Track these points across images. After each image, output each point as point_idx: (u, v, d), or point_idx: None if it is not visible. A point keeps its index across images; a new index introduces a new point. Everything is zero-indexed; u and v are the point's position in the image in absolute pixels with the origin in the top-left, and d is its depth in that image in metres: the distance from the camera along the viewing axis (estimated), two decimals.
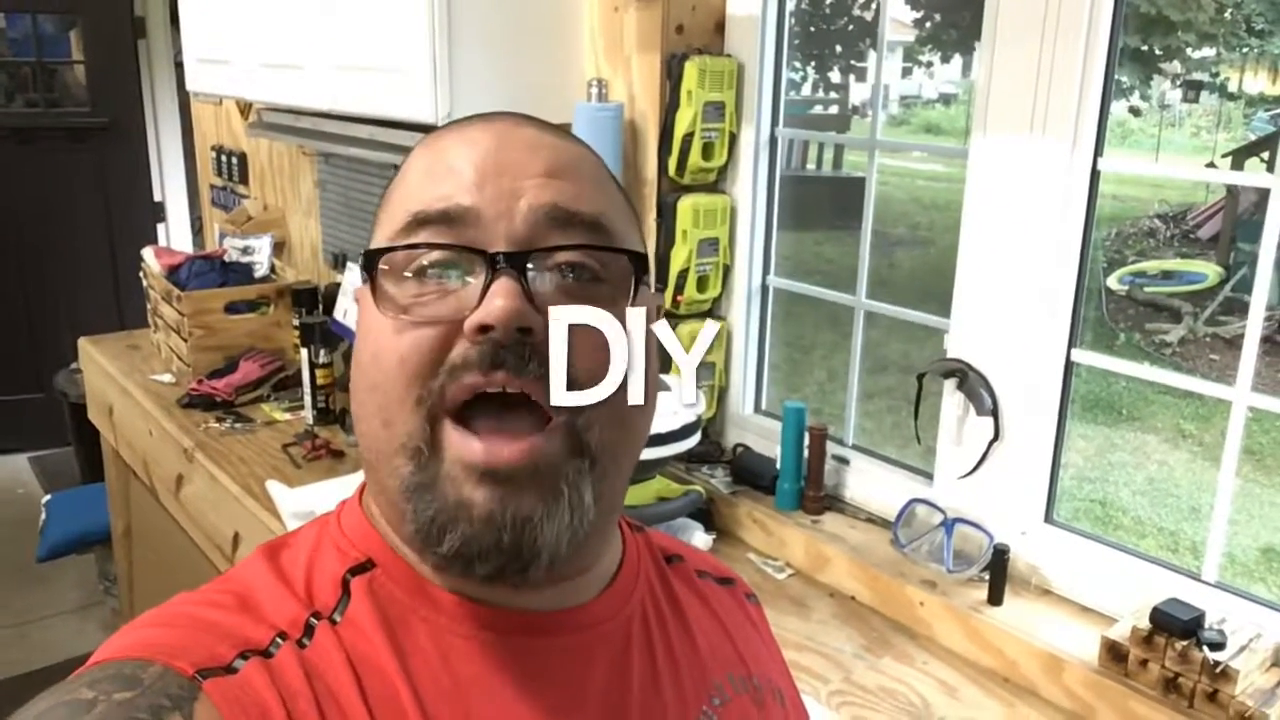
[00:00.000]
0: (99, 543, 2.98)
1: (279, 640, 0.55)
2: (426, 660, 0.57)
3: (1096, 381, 6.00)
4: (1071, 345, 1.46)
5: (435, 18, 1.64)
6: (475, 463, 0.54)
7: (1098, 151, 1.39)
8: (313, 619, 0.57)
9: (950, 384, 1.56)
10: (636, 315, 0.54)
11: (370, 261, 0.58)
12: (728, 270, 1.87)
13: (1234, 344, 6.14)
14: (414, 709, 0.55)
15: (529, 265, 0.55)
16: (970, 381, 1.52)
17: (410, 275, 0.56)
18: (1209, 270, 7.00)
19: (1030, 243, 1.44)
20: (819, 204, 8.17)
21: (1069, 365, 1.47)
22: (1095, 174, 1.39)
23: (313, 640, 0.56)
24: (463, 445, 0.54)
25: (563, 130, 0.64)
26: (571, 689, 0.59)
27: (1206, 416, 5.15)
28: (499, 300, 0.53)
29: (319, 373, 2.12)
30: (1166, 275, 7.36)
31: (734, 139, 1.80)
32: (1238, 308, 6.65)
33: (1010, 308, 1.48)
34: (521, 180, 0.57)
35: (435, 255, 0.56)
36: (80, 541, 2.98)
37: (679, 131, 1.73)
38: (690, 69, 1.70)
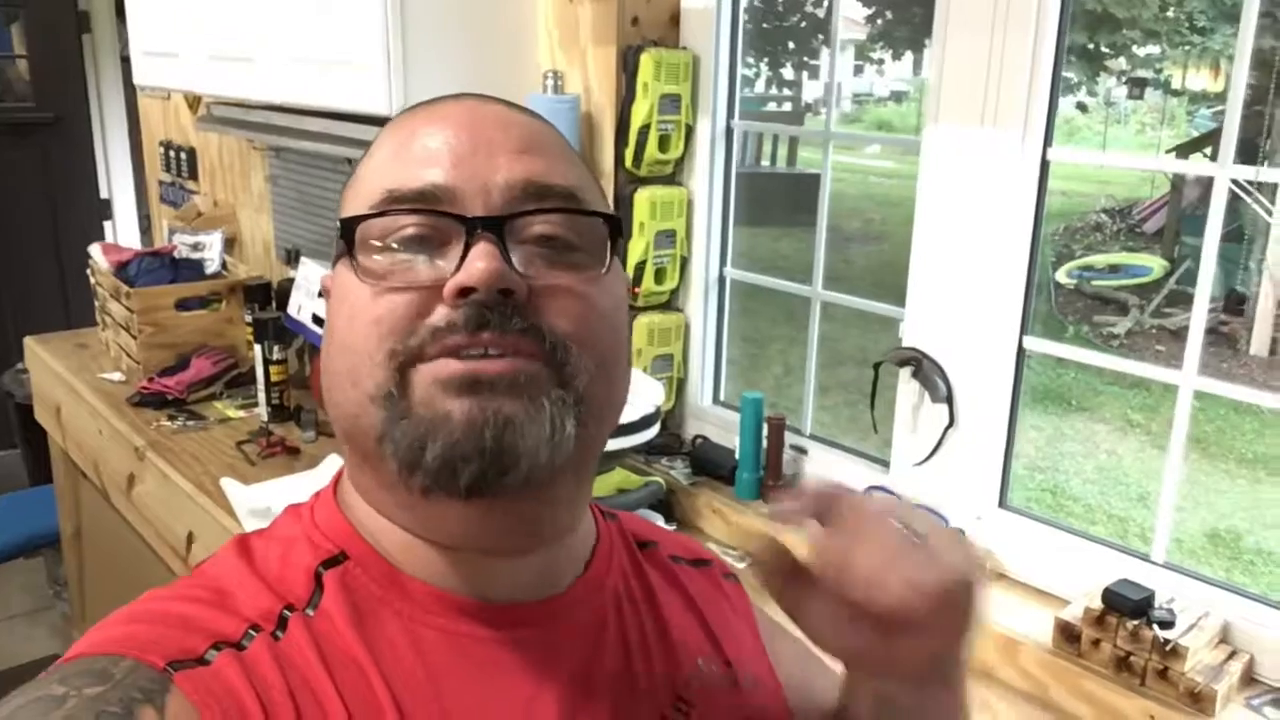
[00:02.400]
0: (47, 546, 2.92)
1: (252, 632, 0.54)
2: (399, 652, 0.57)
3: (1047, 373, 6.10)
4: (1023, 332, 1.48)
5: (388, 9, 1.63)
6: (453, 374, 0.53)
7: (1047, 142, 1.41)
8: (286, 611, 0.56)
9: (906, 372, 1.58)
10: (616, 279, 0.57)
11: (348, 231, 0.57)
12: (685, 262, 1.87)
13: (1179, 335, 6.27)
14: (387, 700, 0.54)
15: (506, 236, 0.55)
16: (925, 369, 1.54)
17: (390, 247, 0.56)
18: (1154, 263, 7.16)
19: (982, 232, 1.46)
20: (774, 201, 8.23)
21: (1021, 352, 1.49)
22: (1045, 164, 1.42)
23: (286, 632, 0.55)
24: (437, 368, 0.54)
25: (526, 108, 0.65)
26: (544, 680, 0.59)
27: (1154, 406, 5.26)
28: (480, 262, 0.53)
29: (273, 369, 2.10)
30: (1113, 269, 7.50)
31: (690, 131, 1.81)
32: (1182, 300, 6.79)
33: (963, 296, 1.50)
34: (496, 157, 0.58)
35: (413, 227, 0.56)
36: (27, 545, 2.92)
37: (635, 124, 1.73)
38: (646, 61, 1.70)
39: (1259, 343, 5.79)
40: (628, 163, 1.77)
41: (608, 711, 0.61)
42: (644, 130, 1.73)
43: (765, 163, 10.03)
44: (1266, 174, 1.40)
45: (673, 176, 1.85)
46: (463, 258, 0.54)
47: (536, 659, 0.60)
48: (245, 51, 2.01)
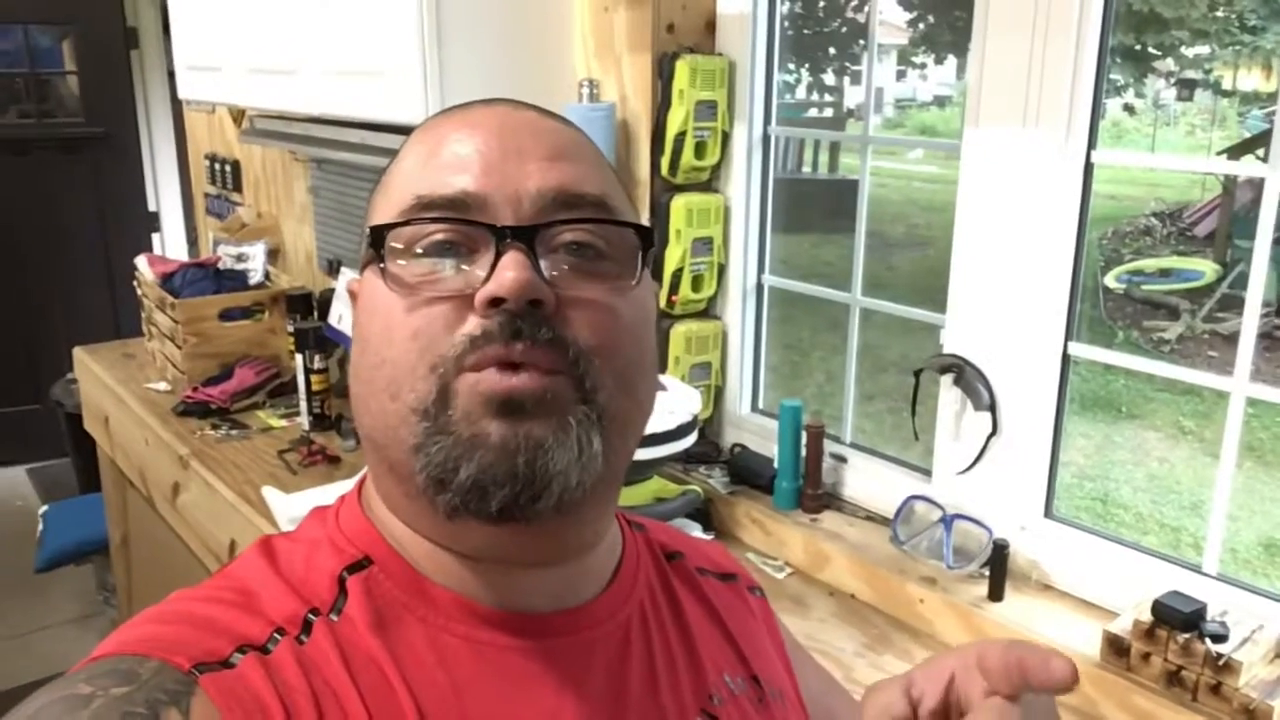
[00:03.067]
0: (97, 553, 2.97)
1: (277, 636, 0.54)
2: (422, 660, 0.56)
3: (1096, 380, 6.00)
4: (1068, 339, 1.45)
5: (424, 20, 1.64)
6: (491, 390, 0.53)
7: (1091, 144, 1.38)
8: (310, 615, 0.56)
9: (947, 379, 1.55)
10: (645, 290, 0.57)
11: (378, 238, 0.57)
12: (722, 269, 1.86)
13: (1232, 340, 6.11)
14: (410, 707, 0.54)
15: (536, 244, 0.55)
16: (967, 376, 1.51)
17: (419, 253, 0.56)
18: (1206, 267, 7.01)
19: (1025, 236, 1.44)
20: (815, 207, 8.18)
21: (1066, 358, 1.46)
22: (1089, 166, 1.39)
23: (311, 637, 0.55)
24: (479, 379, 0.54)
25: (558, 115, 0.64)
26: (568, 691, 0.59)
27: (1206, 413, 5.14)
28: (509, 272, 0.53)
29: (314, 378, 2.12)
30: (1164, 273, 7.36)
31: (726, 138, 1.80)
32: (1235, 304, 6.64)
33: (1006, 302, 1.48)
34: (527, 164, 0.57)
35: (443, 233, 0.56)
36: (78, 552, 2.97)
37: (671, 131, 1.73)
38: (681, 68, 1.69)
39: None
40: (664, 170, 1.76)
41: None
42: (680, 137, 1.73)
43: (806, 169, 9.98)
44: None
45: (709, 183, 1.84)
46: (493, 267, 0.54)
47: (561, 670, 0.59)
48: (285, 64, 2.03)
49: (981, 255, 1.49)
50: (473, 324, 0.54)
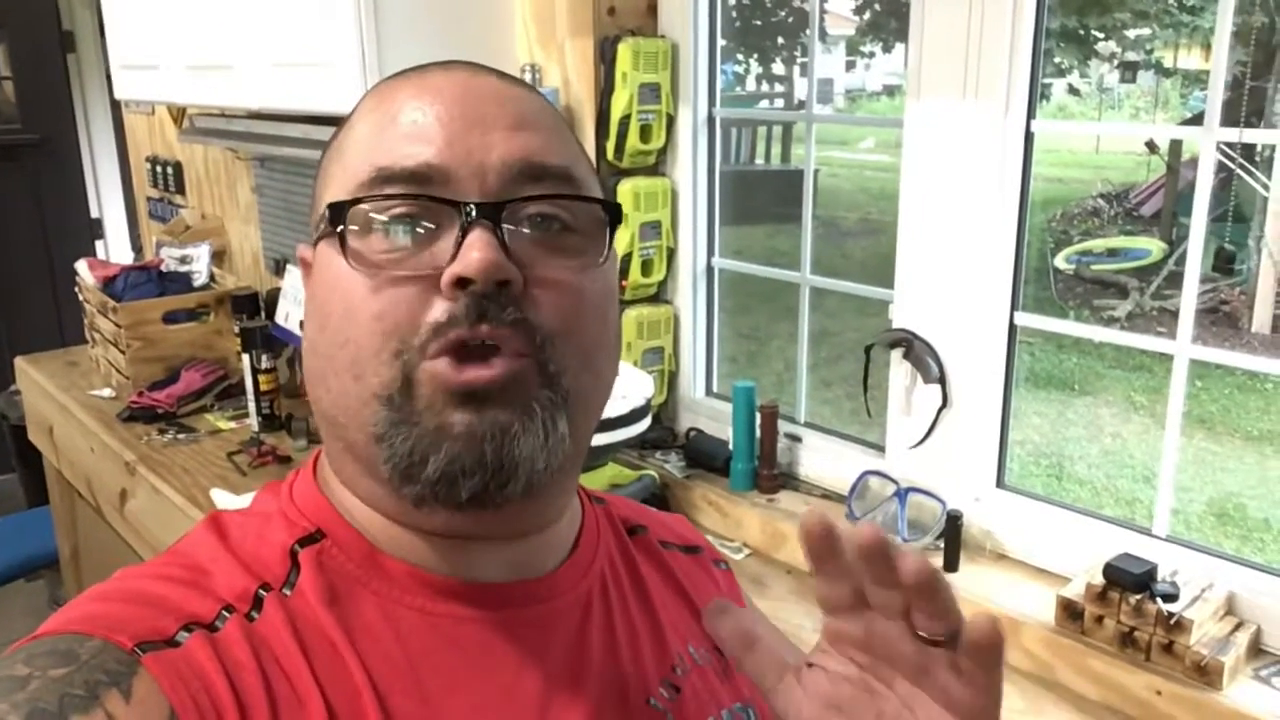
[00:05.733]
0: (47, 567, 2.90)
1: (225, 613, 0.53)
2: (376, 634, 0.55)
3: (1049, 359, 6.08)
4: (1014, 309, 1.46)
5: (361, 8, 1.62)
6: (453, 382, 0.53)
7: (1030, 114, 1.39)
8: (261, 591, 0.55)
9: (897, 354, 1.56)
10: (610, 266, 0.57)
11: (338, 214, 0.55)
12: (671, 253, 1.85)
13: (1179, 314, 6.23)
14: (364, 682, 0.53)
15: (502, 219, 0.54)
16: (916, 350, 1.52)
17: (378, 228, 0.55)
18: (1153, 246, 7.13)
19: (969, 208, 1.44)
20: (768, 198, 8.22)
21: (1013, 329, 1.47)
22: (1029, 136, 1.40)
23: (261, 613, 0.54)
24: (439, 370, 0.53)
25: (518, 79, 0.62)
26: (527, 663, 0.58)
27: (1157, 388, 5.23)
28: (476, 252, 0.52)
29: (262, 379, 2.08)
30: (1112, 253, 7.48)
31: (671, 121, 1.79)
32: (1182, 281, 6.75)
33: (952, 274, 1.48)
34: (490, 134, 0.56)
35: (406, 208, 0.55)
36: (26, 567, 2.90)
37: (615, 114, 1.72)
38: (624, 51, 1.69)
39: (1260, 320, 5.76)
40: (609, 154, 1.75)
41: (592, 695, 0.60)
42: (625, 121, 1.72)
43: (760, 160, 10.03)
44: (1251, 135, 1.38)
45: (656, 167, 1.83)
46: (458, 245, 0.53)
47: (519, 641, 0.58)
48: (222, 59, 2.00)
49: (927, 229, 1.50)
50: (439, 309, 0.53)
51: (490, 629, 0.58)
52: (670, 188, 1.82)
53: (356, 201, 0.55)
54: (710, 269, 1.88)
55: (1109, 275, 7.02)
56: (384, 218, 0.55)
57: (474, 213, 0.53)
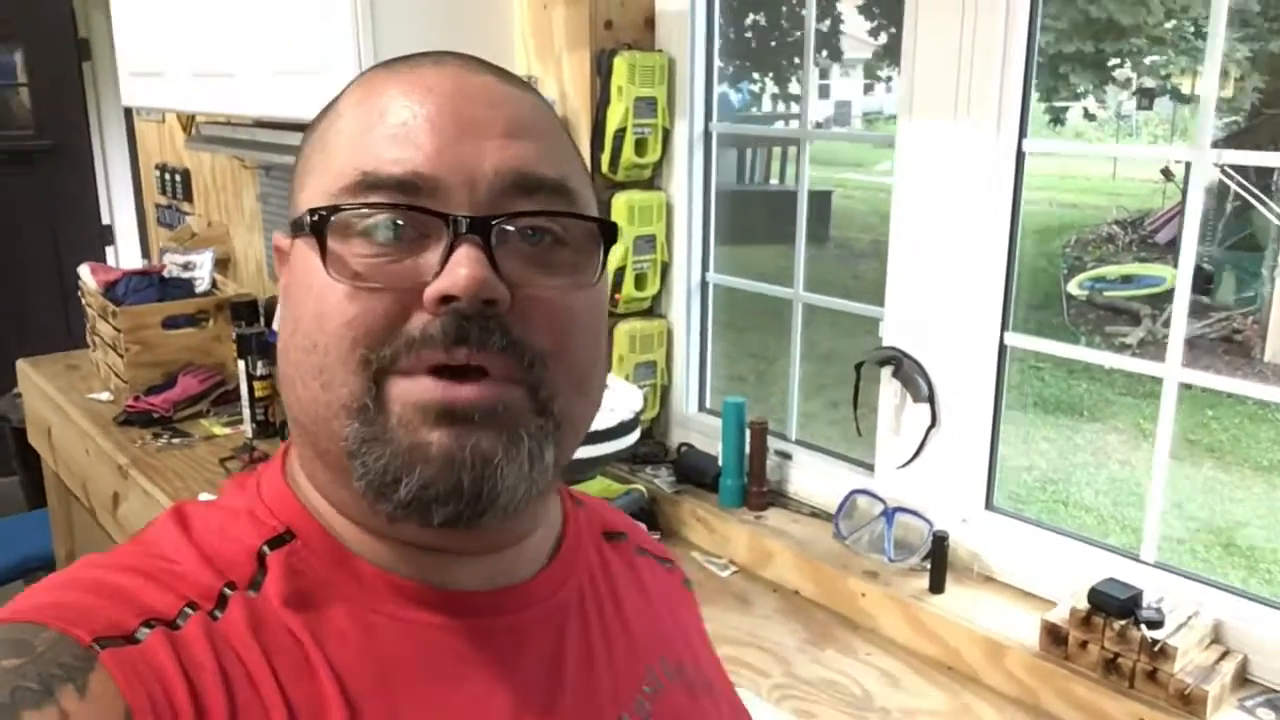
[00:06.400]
0: (43, 569, 2.91)
1: (188, 610, 0.51)
2: (346, 639, 0.54)
3: (1058, 384, 6.05)
4: (1004, 329, 1.45)
5: (359, 17, 1.62)
6: (431, 400, 0.51)
7: (1022, 132, 1.38)
8: (227, 589, 0.53)
9: (887, 372, 1.55)
10: (601, 284, 0.56)
11: (320, 221, 0.52)
12: (666, 267, 1.85)
13: (1193, 343, 6.20)
14: (333, 689, 0.51)
15: (491, 234, 0.52)
16: (905, 368, 1.51)
17: (358, 234, 0.52)
18: (1166, 273, 7.10)
19: (959, 227, 1.44)
20: (783, 218, 8.22)
21: (1003, 349, 1.46)
22: (1020, 155, 1.39)
23: (225, 612, 0.52)
24: (414, 388, 0.51)
25: (513, 76, 0.60)
26: (500, 674, 0.56)
27: None
28: (463, 269, 0.50)
29: (257, 385, 2.08)
30: (1126, 279, 7.45)
31: (667, 135, 1.79)
32: (1195, 309, 6.72)
33: (942, 293, 1.47)
34: (483, 141, 0.53)
35: (391, 215, 0.52)
36: (23, 569, 2.90)
37: (611, 128, 1.72)
38: (620, 64, 1.69)
39: (1273, 350, 5.72)
40: (604, 167, 1.75)
41: (567, 707, 0.58)
42: (620, 134, 1.72)
43: (774, 181, 10.05)
44: (1233, 155, 1.37)
45: (651, 181, 1.83)
46: (445, 259, 0.51)
47: (492, 652, 0.57)
48: (225, 67, 2.01)
49: (918, 247, 1.49)
50: (416, 321, 0.51)
51: (463, 637, 0.56)
52: (665, 201, 1.82)
53: (337, 209, 0.53)
54: (704, 284, 1.87)
55: (1121, 302, 6.99)
56: (365, 223, 0.52)
57: (463, 226, 0.51)
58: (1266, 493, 4.64)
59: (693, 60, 1.76)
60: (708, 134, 1.80)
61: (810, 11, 1.72)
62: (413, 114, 0.53)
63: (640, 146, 1.75)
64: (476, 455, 0.51)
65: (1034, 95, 1.39)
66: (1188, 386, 1.34)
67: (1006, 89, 1.36)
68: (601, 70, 1.71)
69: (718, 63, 1.78)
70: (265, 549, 0.56)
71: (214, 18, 2.02)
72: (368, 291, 0.52)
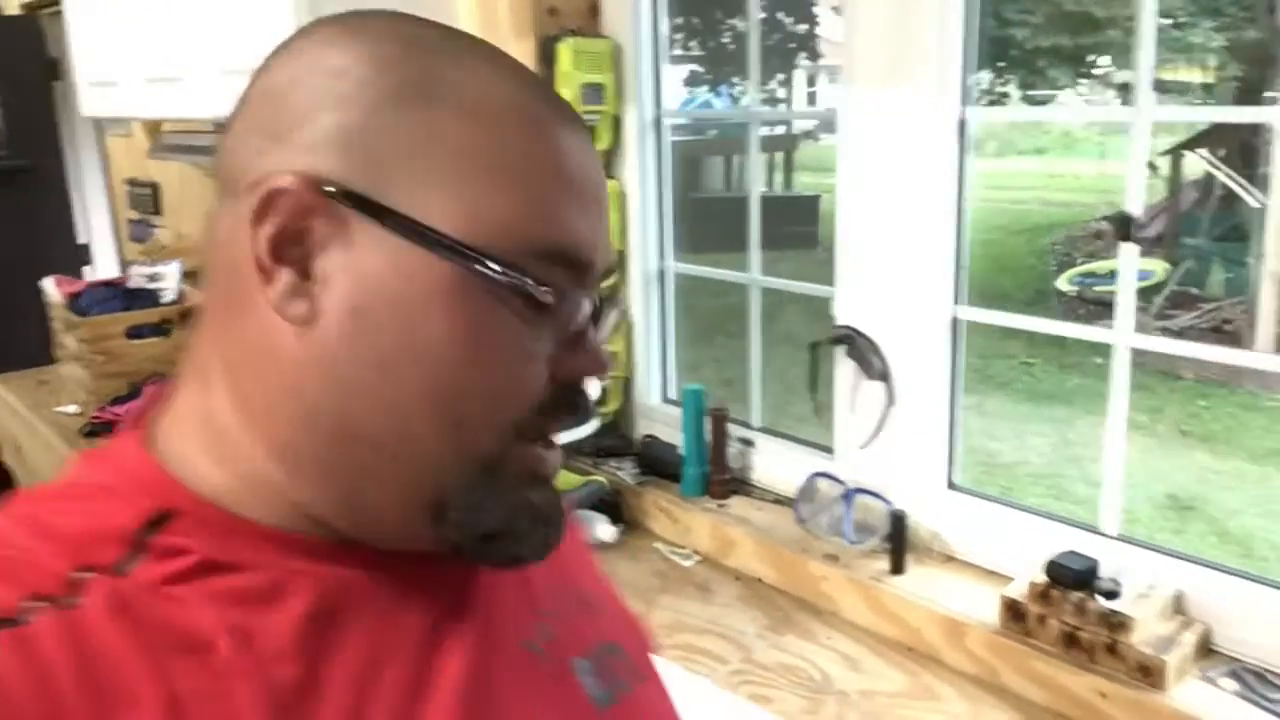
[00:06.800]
0: None
1: (33, 604, 0.46)
2: (251, 604, 0.50)
3: (1051, 378, 6.03)
4: (956, 302, 1.43)
5: (299, 14, 1.60)
6: (544, 467, 0.56)
7: (964, 101, 1.36)
8: (83, 573, 0.47)
9: (841, 351, 1.52)
10: None
11: (518, 268, 0.51)
12: (622, 257, 1.83)
13: (1183, 336, 6.18)
14: (238, 659, 0.48)
15: None
16: (859, 347, 1.48)
17: (534, 301, 0.53)
18: (1156, 267, 7.09)
19: (904, 199, 1.41)
20: (772, 223, 8.23)
21: (955, 323, 1.43)
22: (963, 124, 1.37)
23: (85, 597, 0.47)
24: (534, 452, 0.55)
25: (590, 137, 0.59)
26: (413, 602, 0.55)
27: (1158, 408, 5.16)
28: (602, 355, 0.56)
29: None
30: (1115, 274, 7.44)
31: (618, 122, 1.77)
32: (1184, 301, 6.71)
33: (892, 268, 1.45)
34: (601, 227, 0.57)
35: (581, 294, 0.55)
36: None
37: None
38: (564, 50, 1.67)
39: (1263, 340, 5.69)
40: None
41: (474, 634, 0.57)
42: None
43: (762, 187, 10.06)
44: (1173, 113, 1.35)
45: (604, 169, 1.81)
46: (582, 338, 0.55)
47: (407, 581, 0.56)
48: (174, 70, 1.99)
49: (864, 221, 1.47)
50: (549, 393, 0.54)
51: (378, 580, 0.54)
52: (619, 189, 1.79)
53: (541, 282, 0.52)
54: (663, 272, 1.85)
55: (1112, 297, 6.97)
56: (549, 299, 0.52)
57: (601, 311, 0.57)
58: (1259, 481, 4.62)
59: (639, 46, 1.74)
60: (659, 120, 1.78)
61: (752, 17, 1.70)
62: (583, 189, 0.54)
63: (590, 135, 1.72)
64: (555, 512, 0.56)
65: (976, 63, 1.36)
66: (1178, 377, 1.31)
67: (946, 56, 1.34)
68: (546, 57, 1.69)
69: (667, 49, 1.76)
70: (148, 528, 0.51)
71: (162, 21, 2.01)
72: (533, 359, 0.54)
